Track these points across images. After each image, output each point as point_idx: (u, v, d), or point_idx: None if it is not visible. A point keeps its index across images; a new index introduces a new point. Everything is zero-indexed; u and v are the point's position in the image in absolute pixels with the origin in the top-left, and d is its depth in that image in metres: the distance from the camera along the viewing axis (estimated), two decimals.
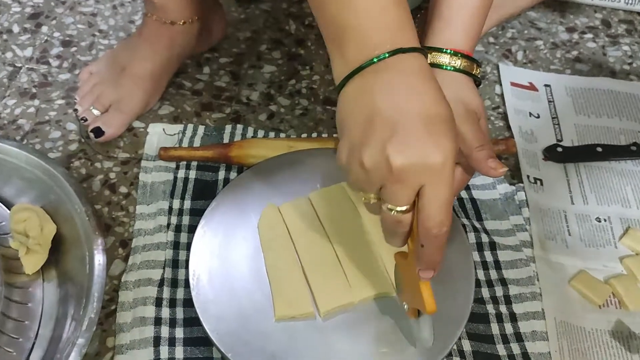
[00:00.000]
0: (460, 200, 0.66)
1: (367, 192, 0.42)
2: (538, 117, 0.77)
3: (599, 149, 0.72)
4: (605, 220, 0.66)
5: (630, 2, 0.92)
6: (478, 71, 0.55)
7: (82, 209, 0.58)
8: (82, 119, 0.71)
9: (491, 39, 0.87)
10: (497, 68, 0.82)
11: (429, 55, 0.53)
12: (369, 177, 0.40)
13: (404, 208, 0.40)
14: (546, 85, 0.81)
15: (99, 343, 0.55)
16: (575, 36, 0.89)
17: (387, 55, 0.40)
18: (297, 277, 0.54)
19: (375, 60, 0.41)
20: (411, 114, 0.39)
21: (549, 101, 0.79)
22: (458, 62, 0.53)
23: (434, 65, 0.53)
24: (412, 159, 0.38)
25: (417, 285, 0.45)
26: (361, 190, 0.42)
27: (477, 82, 0.55)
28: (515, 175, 0.70)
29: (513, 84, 0.81)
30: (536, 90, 0.80)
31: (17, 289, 0.56)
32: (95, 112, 0.71)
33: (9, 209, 0.61)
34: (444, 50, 0.53)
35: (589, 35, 0.89)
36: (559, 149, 0.72)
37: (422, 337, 0.49)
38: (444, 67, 0.53)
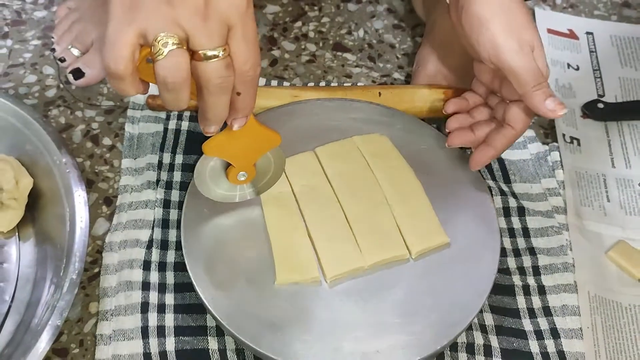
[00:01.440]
0: None
1: (155, 39, 0.40)
2: (577, 69, 0.77)
3: None
4: None
5: None
6: None
7: (61, 160, 0.58)
8: (60, 59, 0.72)
9: None
10: (533, 13, 0.82)
11: None
12: (175, 17, 0.39)
13: (221, 52, 0.41)
14: (588, 33, 0.81)
15: (82, 308, 0.57)
16: None
17: None
18: (301, 239, 0.55)
19: None
20: None
21: (591, 51, 0.79)
22: None
23: None
24: None
25: (252, 139, 0.50)
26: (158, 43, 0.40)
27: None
28: (548, 133, 0.71)
29: (550, 31, 0.81)
30: (576, 38, 0.80)
31: None
32: (75, 51, 0.72)
33: None
34: None
35: None
36: (600, 105, 0.72)
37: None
38: None
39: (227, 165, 0.53)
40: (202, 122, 0.46)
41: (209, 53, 0.41)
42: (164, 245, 0.59)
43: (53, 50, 0.73)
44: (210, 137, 0.49)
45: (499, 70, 0.55)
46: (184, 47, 0.40)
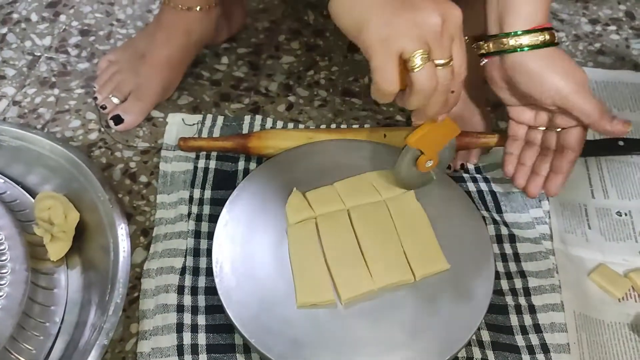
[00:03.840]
0: (480, 192, 0.69)
1: (412, 55, 0.47)
2: None
3: (621, 143, 0.74)
4: (626, 215, 0.69)
5: None
6: (556, 37, 0.59)
7: (105, 196, 0.61)
8: (101, 107, 0.74)
9: None
10: None
11: (520, 39, 0.58)
12: (420, 34, 0.46)
13: (449, 60, 0.48)
14: None
15: (123, 329, 0.59)
16: (598, 28, 0.91)
17: None
18: (319, 265, 0.57)
19: None
20: None
21: None
22: (548, 37, 0.58)
23: (531, 47, 0.57)
24: (447, 13, 0.47)
25: (443, 130, 0.56)
26: (407, 53, 0.47)
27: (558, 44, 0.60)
28: None
29: None
30: None
31: (42, 275, 0.60)
32: (115, 100, 0.74)
33: (33, 197, 0.64)
34: (533, 30, 0.57)
35: (612, 27, 0.91)
36: None
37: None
38: (538, 47, 0.57)
39: (416, 158, 0.58)
40: (418, 116, 0.53)
41: (442, 62, 0.48)
42: (195, 271, 0.61)
43: (95, 98, 0.75)
44: (412, 132, 0.55)
45: (543, 105, 0.59)
46: (430, 59, 0.47)
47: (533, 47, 0.57)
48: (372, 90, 0.49)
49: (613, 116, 0.57)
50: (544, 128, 0.63)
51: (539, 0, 0.58)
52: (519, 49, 0.58)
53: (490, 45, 0.60)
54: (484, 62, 0.62)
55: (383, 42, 0.46)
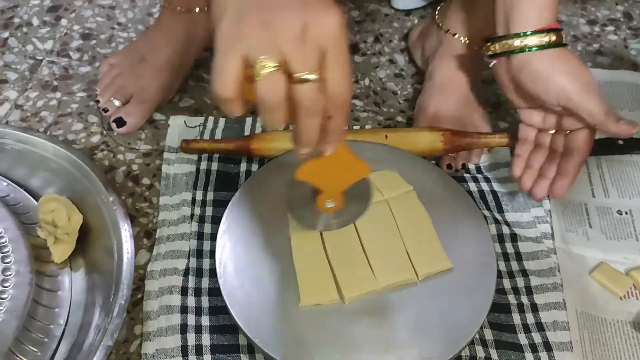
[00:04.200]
0: (482, 192, 0.69)
1: (256, 61, 0.39)
2: None
3: (621, 142, 0.74)
4: (626, 213, 0.69)
5: None
6: (563, 38, 0.59)
7: (108, 199, 0.61)
8: (103, 109, 0.75)
9: None
10: None
11: (527, 39, 0.57)
12: (272, 39, 0.39)
13: (315, 76, 0.40)
14: None
15: (127, 330, 0.59)
16: (597, 29, 0.91)
17: None
18: (322, 264, 0.57)
19: None
20: None
21: None
22: (554, 38, 0.57)
23: (538, 47, 0.57)
24: (314, 18, 0.39)
25: (342, 167, 0.48)
26: (260, 62, 0.39)
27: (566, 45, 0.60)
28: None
29: None
30: None
31: (47, 277, 0.60)
32: (117, 102, 0.75)
33: (37, 200, 0.64)
34: (540, 31, 0.57)
35: (611, 28, 0.91)
36: None
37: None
38: (545, 47, 0.57)
39: (316, 193, 0.51)
40: (295, 144, 0.44)
41: (304, 76, 0.39)
42: (199, 272, 0.62)
43: (97, 101, 0.76)
44: (303, 162, 0.47)
45: (554, 110, 0.59)
46: (282, 70, 0.39)
47: (539, 47, 0.57)
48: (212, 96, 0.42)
49: (619, 117, 0.57)
50: (553, 131, 0.63)
51: (545, 1, 0.58)
52: (526, 49, 0.57)
53: (497, 46, 0.60)
54: (492, 64, 0.62)
55: (228, 40, 0.40)
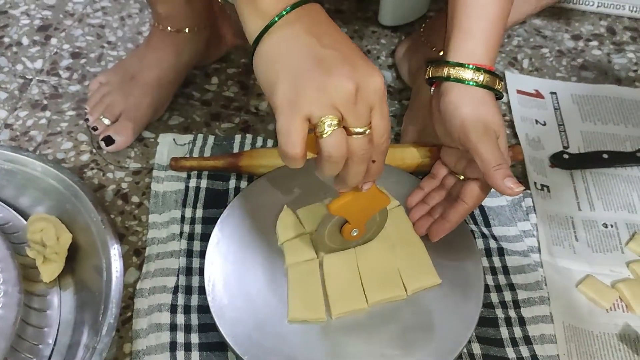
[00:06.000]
0: None
1: (320, 121, 0.43)
2: (544, 124, 0.81)
3: (605, 156, 0.75)
4: (612, 226, 0.70)
5: (634, 9, 0.96)
6: (500, 86, 0.59)
7: (97, 217, 0.61)
8: (93, 128, 0.75)
9: None
10: (504, 76, 0.86)
11: (451, 69, 0.58)
12: (330, 100, 0.43)
13: (367, 129, 0.45)
14: (552, 93, 0.85)
15: (116, 349, 0.59)
16: (581, 44, 0.93)
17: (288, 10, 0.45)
18: (314, 280, 0.57)
19: (288, 9, 0.45)
20: (347, 45, 0.45)
21: (555, 108, 0.83)
22: (481, 78, 0.57)
23: (457, 80, 0.57)
24: (364, 81, 0.44)
25: (370, 200, 0.53)
26: (318, 123, 0.44)
27: (499, 96, 0.59)
28: (522, 182, 0.73)
29: (519, 92, 0.84)
30: (542, 97, 0.84)
31: (35, 297, 0.60)
32: (106, 121, 0.75)
33: (26, 219, 0.64)
34: (467, 65, 0.57)
35: (594, 43, 0.93)
36: (566, 156, 0.75)
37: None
38: (467, 82, 0.57)
39: (341, 225, 0.56)
40: (339, 184, 0.49)
41: (358, 130, 0.44)
42: (188, 290, 0.62)
43: (86, 120, 0.76)
44: (336, 198, 0.52)
45: (466, 153, 0.57)
46: (341, 126, 0.44)
47: (471, 82, 0.57)
48: (279, 154, 0.46)
49: (510, 175, 0.54)
50: (462, 177, 0.62)
51: (483, 40, 0.58)
52: (450, 79, 0.58)
53: (431, 70, 0.60)
54: (432, 90, 0.62)
55: (290, 104, 0.43)
